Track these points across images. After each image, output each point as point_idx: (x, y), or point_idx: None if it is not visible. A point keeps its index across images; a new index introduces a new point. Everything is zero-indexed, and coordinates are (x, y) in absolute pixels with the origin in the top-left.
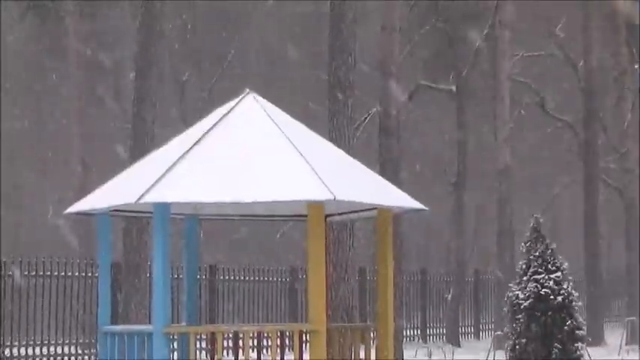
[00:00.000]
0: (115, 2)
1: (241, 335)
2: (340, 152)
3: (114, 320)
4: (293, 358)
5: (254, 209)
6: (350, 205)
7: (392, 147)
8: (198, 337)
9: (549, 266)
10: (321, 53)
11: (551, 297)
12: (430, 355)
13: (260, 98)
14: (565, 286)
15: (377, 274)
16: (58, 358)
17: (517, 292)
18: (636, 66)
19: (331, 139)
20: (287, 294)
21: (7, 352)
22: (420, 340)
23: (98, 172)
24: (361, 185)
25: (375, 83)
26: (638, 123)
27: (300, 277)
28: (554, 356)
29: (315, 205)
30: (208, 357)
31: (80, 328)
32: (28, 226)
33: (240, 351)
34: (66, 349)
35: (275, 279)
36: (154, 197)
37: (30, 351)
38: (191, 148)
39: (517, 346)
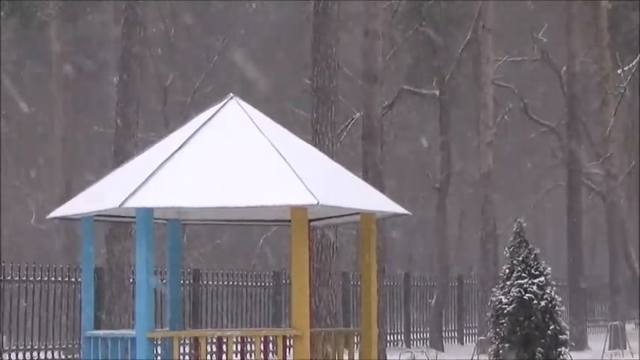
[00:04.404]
0: (98, 7)
1: (225, 340)
2: (323, 157)
3: (97, 325)
4: None
5: (237, 214)
6: (333, 209)
7: (375, 152)
8: (182, 341)
9: (532, 271)
10: (305, 58)
11: (535, 302)
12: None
13: (243, 103)
14: (548, 291)
15: (360, 278)
16: None
17: (500, 297)
18: (619, 71)
19: (314, 144)
20: (271, 299)
21: None
22: (404, 345)
23: (81, 177)
24: (344, 190)
25: (358, 88)
26: (620, 128)
27: (284, 281)
28: None
29: (299, 210)
30: None
31: (63, 333)
32: (11, 230)
33: (224, 356)
34: (49, 355)
35: (258, 283)
36: (137, 202)
37: (13, 356)
38: (174, 152)
39: (500, 351)
